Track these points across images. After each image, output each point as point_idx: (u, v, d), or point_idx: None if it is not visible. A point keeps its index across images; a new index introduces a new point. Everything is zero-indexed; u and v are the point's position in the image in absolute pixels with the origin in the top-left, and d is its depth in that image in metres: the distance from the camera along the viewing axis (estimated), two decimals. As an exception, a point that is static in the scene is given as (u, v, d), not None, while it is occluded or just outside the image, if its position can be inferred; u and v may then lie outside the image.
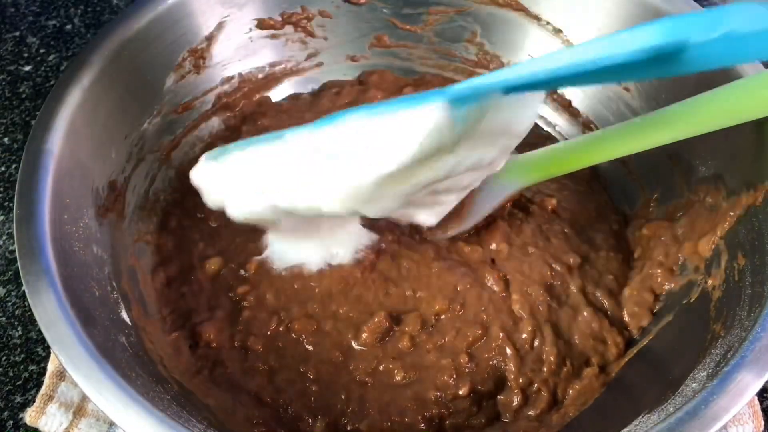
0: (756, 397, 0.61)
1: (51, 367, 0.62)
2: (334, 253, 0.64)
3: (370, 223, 0.66)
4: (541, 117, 0.79)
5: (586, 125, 0.75)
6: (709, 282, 0.58)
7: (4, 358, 0.66)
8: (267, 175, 0.53)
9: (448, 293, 0.62)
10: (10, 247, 0.73)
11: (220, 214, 0.67)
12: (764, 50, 0.41)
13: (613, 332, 0.62)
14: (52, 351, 0.63)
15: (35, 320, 0.47)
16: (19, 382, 0.64)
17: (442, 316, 0.62)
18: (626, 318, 0.63)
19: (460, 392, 0.58)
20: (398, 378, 0.59)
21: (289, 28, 0.77)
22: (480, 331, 0.61)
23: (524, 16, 0.75)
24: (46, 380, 0.61)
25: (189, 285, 0.64)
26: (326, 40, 0.79)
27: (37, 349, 0.66)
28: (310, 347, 0.60)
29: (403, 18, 0.79)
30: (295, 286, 0.63)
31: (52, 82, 0.87)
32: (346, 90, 0.80)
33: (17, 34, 0.93)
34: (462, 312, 0.62)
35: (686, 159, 0.65)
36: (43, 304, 0.48)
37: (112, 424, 0.59)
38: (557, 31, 0.74)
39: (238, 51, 0.75)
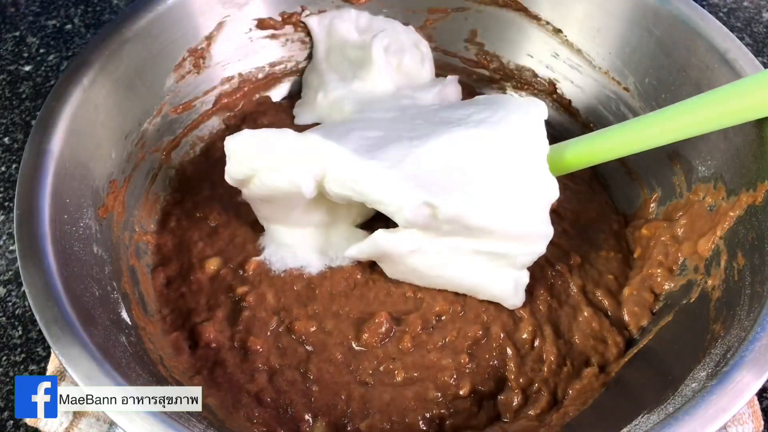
0: (755, 397, 0.61)
1: (51, 367, 0.62)
2: (332, 256, 0.64)
3: (364, 225, 0.66)
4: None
5: (586, 125, 0.75)
6: (709, 282, 0.58)
7: (4, 358, 0.66)
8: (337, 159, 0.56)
9: (449, 293, 0.62)
10: (10, 247, 0.73)
11: (220, 214, 0.68)
12: None
13: (613, 332, 0.62)
14: (52, 351, 0.63)
15: (35, 320, 0.47)
16: (19, 382, 0.64)
17: (443, 317, 0.62)
18: (626, 318, 0.63)
19: (461, 392, 0.58)
20: (399, 378, 0.59)
21: (289, 28, 0.77)
22: (480, 332, 0.61)
23: (524, 16, 0.75)
24: (46, 380, 0.61)
25: (188, 285, 0.64)
26: (326, 40, 0.79)
27: (37, 349, 0.66)
28: (310, 347, 0.60)
29: (403, 18, 0.79)
30: (295, 288, 0.63)
31: (52, 82, 0.87)
32: (346, 89, 0.79)
33: (17, 34, 0.93)
34: (462, 312, 0.62)
35: (686, 159, 0.65)
36: (43, 304, 0.48)
37: (112, 424, 0.59)
38: (557, 31, 0.74)
39: (238, 51, 0.75)
